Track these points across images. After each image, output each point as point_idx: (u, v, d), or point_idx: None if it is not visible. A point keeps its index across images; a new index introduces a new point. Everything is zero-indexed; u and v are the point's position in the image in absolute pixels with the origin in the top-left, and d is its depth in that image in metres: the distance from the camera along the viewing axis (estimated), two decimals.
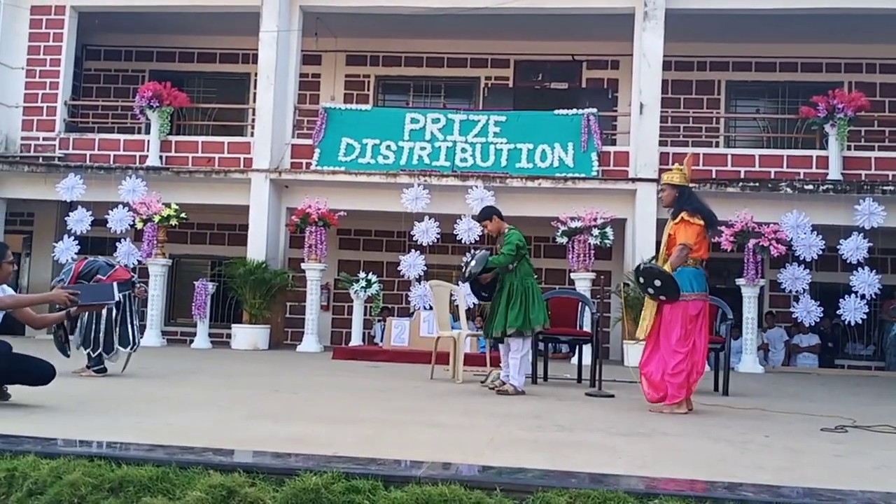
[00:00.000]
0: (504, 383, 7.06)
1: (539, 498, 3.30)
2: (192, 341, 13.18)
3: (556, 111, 13.56)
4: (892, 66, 15.05)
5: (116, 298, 5.71)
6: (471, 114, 14.00)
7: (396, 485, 3.41)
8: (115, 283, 5.68)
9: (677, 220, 6.14)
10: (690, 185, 6.39)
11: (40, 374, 5.15)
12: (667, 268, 6.02)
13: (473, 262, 7.19)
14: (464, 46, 15.84)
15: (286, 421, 5.12)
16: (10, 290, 5.28)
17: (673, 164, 13.02)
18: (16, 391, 5.30)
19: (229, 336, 13.25)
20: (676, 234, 6.12)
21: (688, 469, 3.88)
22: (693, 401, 6.25)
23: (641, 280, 6.09)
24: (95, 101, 16.20)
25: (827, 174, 12.75)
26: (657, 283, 5.97)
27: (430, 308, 10.90)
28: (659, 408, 6.09)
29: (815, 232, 11.98)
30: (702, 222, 6.10)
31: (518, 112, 14.05)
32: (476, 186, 12.63)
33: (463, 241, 12.61)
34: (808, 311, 12.09)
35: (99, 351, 7.42)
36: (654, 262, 6.22)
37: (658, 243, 12.76)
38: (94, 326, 7.42)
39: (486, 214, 7.41)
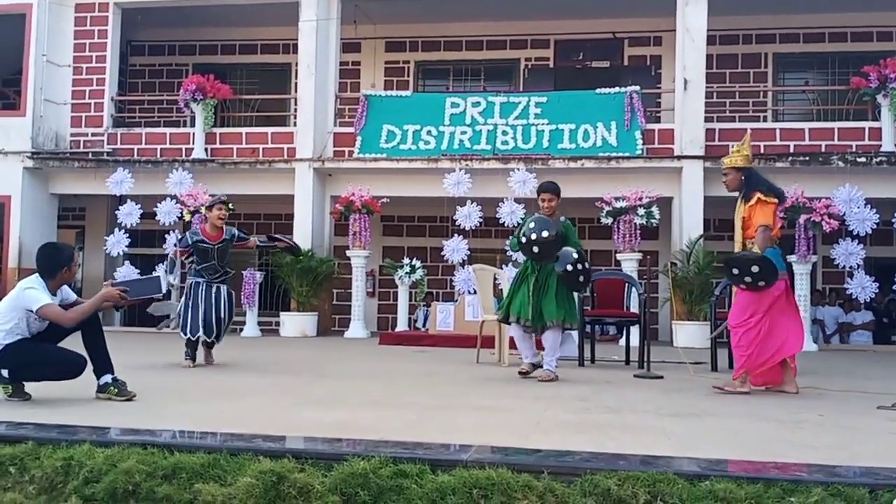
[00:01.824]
0: (534, 367, 6.84)
1: (587, 480, 3.28)
2: (241, 330, 13.37)
3: (598, 90, 13.38)
4: None
5: (164, 290, 5.82)
6: (511, 96, 13.90)
7: (444, 469, 3.42)
8: (160, 277, 5.77)
9: (752, 201, 6.05)
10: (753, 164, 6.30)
11: (69, 365, 5.14)
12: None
13: (546, 233, 6.56)
14: (503, 28, 15.72)
15: (334, 407, 5.17)
16: (69, 293, 5.37)
17: (719, 140, 12.91)
18: (68, 382, 5.43)
19: (278, 324, 13.41)
20: (754, 215, 6.04)
21: (739, 449, 3.83)
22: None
23: (736, 271, 5.86)
24: (141, 96, 16.48)
25: (880, 146, 12.39)
26: (755, 269, 5.79)
27: (475, 292, 10.89)
28: (721, 384, 6.07)
29: (869, 205, 11.65)
30: (776, 200, 6.05)
31: (559, 92, 13.90)
32: (518, 169, 12.55)
33: (506, 225, 12.56)
34: (862, 286, 11.78)
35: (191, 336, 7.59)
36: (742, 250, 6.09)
37: (706, 221, 12.66)
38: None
39: (558, 190, 6.94)
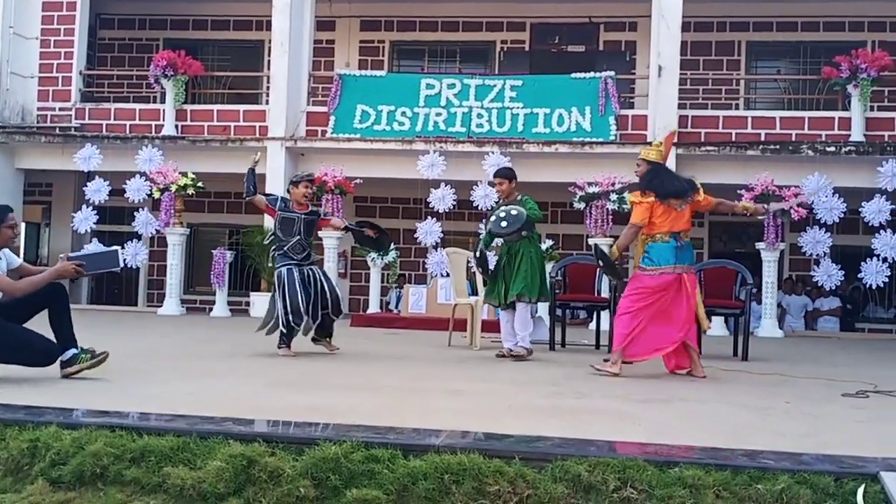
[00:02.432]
0: (511, 351, 7.09)
1: (558, 466, 3.30)
2: (211, 310, 13.27)
3: (573, 75, 13.37)
4: None
5: (121, 264, 5.70)
6: (486, 78, 13.84)
7: (415, 454, 3.43)
8: (118, 250, 5.63)
9: (633, 199, 6.27)
10: (664, 162, 6.45)
11: (38, 353, 5.07)
12: (615, 249, 6.28)
13: (506, 223, 6.99)
14: (479, 9, 15.63)
15: (305, 389, 5.15)
16: (12, 256, 5.22)
17: (692, 127, 12.98)
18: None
19: (248, 304, 13.32)
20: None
21: (707, 436, 3.87)
22: (715, 367, 6.25)
23: (594, 256, 6.45)
24: (110, 70, 16.18)
25: (849, 136, 12.53)
26: (600, 263, 6.27)
27: (448, 275, 10.89)
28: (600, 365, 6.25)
29: (837, 194, 11.81)
30: (652, 198, 6.09)
31: (534, 76, 13.87)
32: (492, 152, 12.53)
33: (479, 208, 12.55)
34: (828, 274, 11.97)
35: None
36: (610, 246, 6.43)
37: None
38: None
39: (511, 175, 7.36)
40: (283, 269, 6.99)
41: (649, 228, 6.12)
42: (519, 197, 7.27)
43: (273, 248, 7.14)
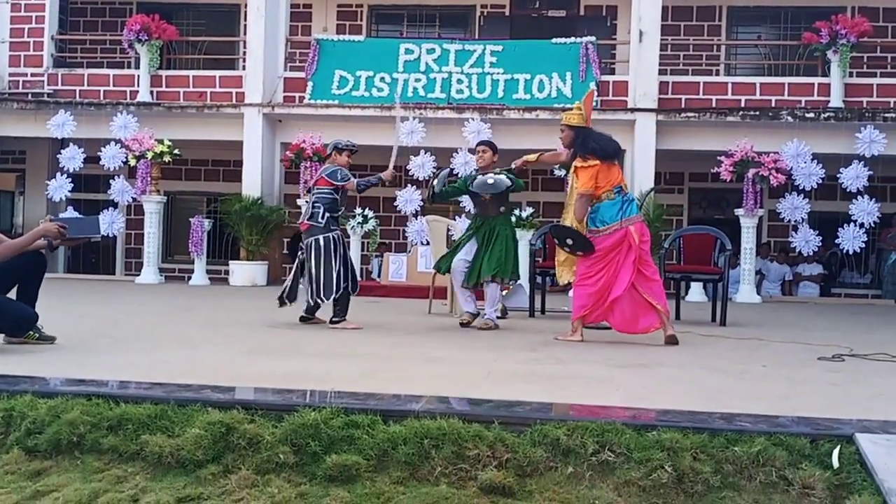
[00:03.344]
0: (487, 322, 6.99)
1: (537, 430, 3.31)
2: (189, 278, 13.18)
3: (554, 40, 13.26)
4: None
5: (102, 233, 5.62)
6: (466, 44, 13.70)
7: (395, 419, 3.42)
8: (99, 218, 5.54)
9: (578, 164, 6.12)
10: (588, 124, 6.30)
11: (19, 321, 5.01)
12: (574, 222, 6.09)
13: (493, 182, 6.93)
14: None
15: (284, 357, 5.13)
16: None
17: (672, 93, 12.95)
18: None
19: (227, 273, 13.24)
20: (575, 181, 6.16)
21: (686, 400, 3.90)
22: (694, 333, 6.26)
23: (557, 240, 6.25)
24: (83, 35, 15.84)
25: (828, 102, 12.56)
26: (569, 241, 6.10)
27: (428, 243, 10.86)
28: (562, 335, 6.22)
29: (816, 161, 11.87)
30: (596, 162, 6.03)
31: (515, 41, 13.74)
32: (472, 119, 12.45)
33: (460, 175, 12.48)
34: (806, 240, 12.07)
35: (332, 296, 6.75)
36: (563, 219, 6.33)
37: (658, 174, 12.77)
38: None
39: (495, 147, 7.32)
40: (334, 237, 6.75)
41: (595, 191, 6.06)
42: (498, 171, 7.15)
43: (327, 212, 6.79)
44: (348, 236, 6.92)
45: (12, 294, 5.20)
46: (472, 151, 7.35)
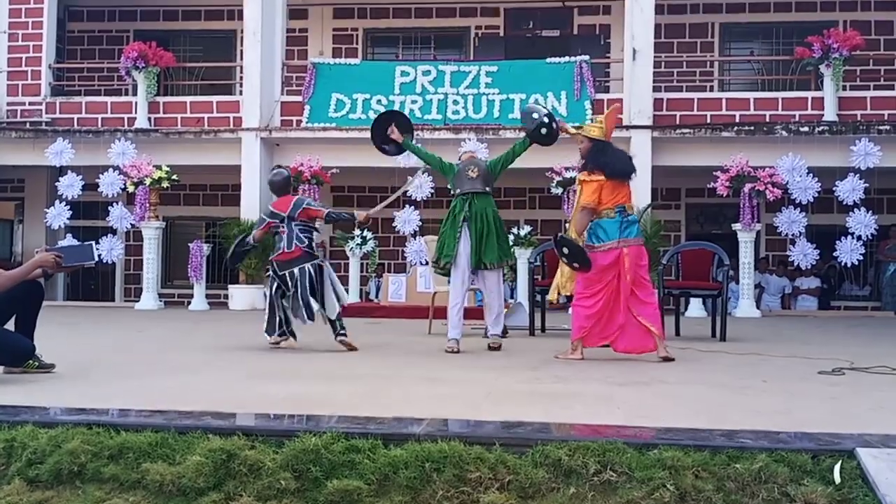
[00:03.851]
0: (498, 342, 6.80)
1: (539, 451, 3.31)
2: (189, 303, 13.18)
3: (549, 59, 13.36)
4: (886, 4, 14.81)
5: (96, 258, 5.64)
6: (462, 65, 13.80)
7: (396, 443, 3.42)
8: (93, 244, 5.58)
9: (581, 177, 6.20)
10: (608, 139, 6.31)
11: (16, 351, 5.01)
12: (573, 234, 6.10)
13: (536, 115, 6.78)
14: None
15: (285, 381, 5.13)
16: None
17: (667, 110, 13.02)
18: None
19: (226, 297, 13.24)
20: (579, 193, 6.20)
21: (686, 417, 3.90)
22: (694, 348, 6.27)
23: (556, 248, 6.20)
24: (80, 63, 15.95)
25: (822, 115, 12.63)
26: (566, 251, 6.05)
27: (427, 263, 10.88)
28: (562, 355, 6.19)
29: (811, 174, 11.91)
30: (601, 177, 6.05)
31: (510, 61, 13.84)
32: (469, 139, 12.51)
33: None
34: (804, 253, 12.09)
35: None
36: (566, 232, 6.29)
37: (654, 190, 12.81)
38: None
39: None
40: (323, 263, 6.96)
41: (596, 206, 6.08)
42: (481, 158, 7.26)
43: (312, 240, 6.97)
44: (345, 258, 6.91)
45: (10, 324, 5.21)
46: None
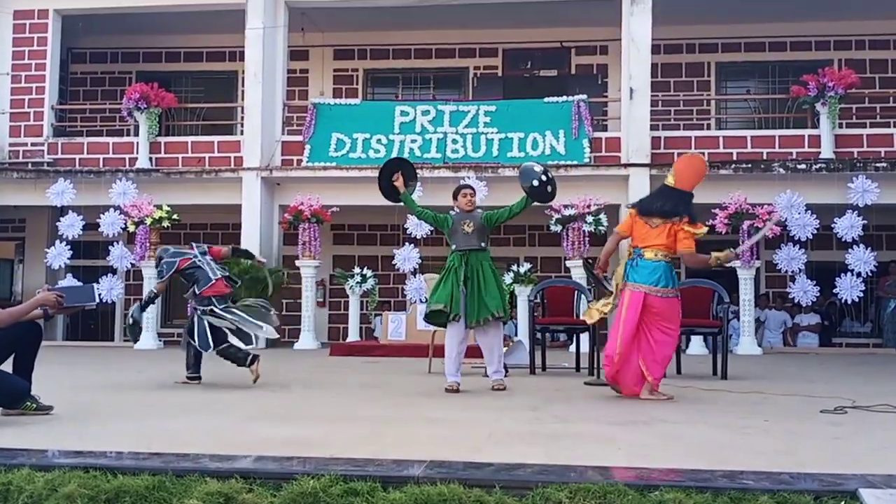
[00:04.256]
0: (501, 383, 6.76)
1: (539, 493, 3.28)
2: None
3: (546, 99, 13.50)
4: (880, 42, 15.01)
5: (96, 300, 5.67)
6: (460, 104, 13.93)
7: (395, 485, 3.39)
8: (94, 286, 5.63)
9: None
10: (671, 182, 6.59)
11: (12, 393, 4.99)
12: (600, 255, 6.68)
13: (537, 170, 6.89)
14: (451, 36, 15.75)
15: (283, 422, 5.10)
16: None
17: (664, 148, 13.10)
18: None
19: None
20: None
21: (688, 458, 3.87)
22: (695, 387, 6.26)
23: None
24: (83, 104, 16.11)
25: (819, 153, 12.71)
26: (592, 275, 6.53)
27: (426, 301, 10.85)
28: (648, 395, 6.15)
29: (809, 211, 11.96)
30: (633, 210, 6.42)
31: (508, 101, 13.98)
32: (468, 177, 12.56)
33: None
34: (804, 290, 12.09)
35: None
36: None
37: None
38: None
39: (474, 190, 7.23)
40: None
41: (625, 237, 6.42)
42: (478, 211, 6.99)
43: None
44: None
45: (7, 365, 5.19)
46: (454, 196, 7.06)
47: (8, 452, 3.98)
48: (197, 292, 7.04)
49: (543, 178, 6.75)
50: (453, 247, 6.80)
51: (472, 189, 7.09)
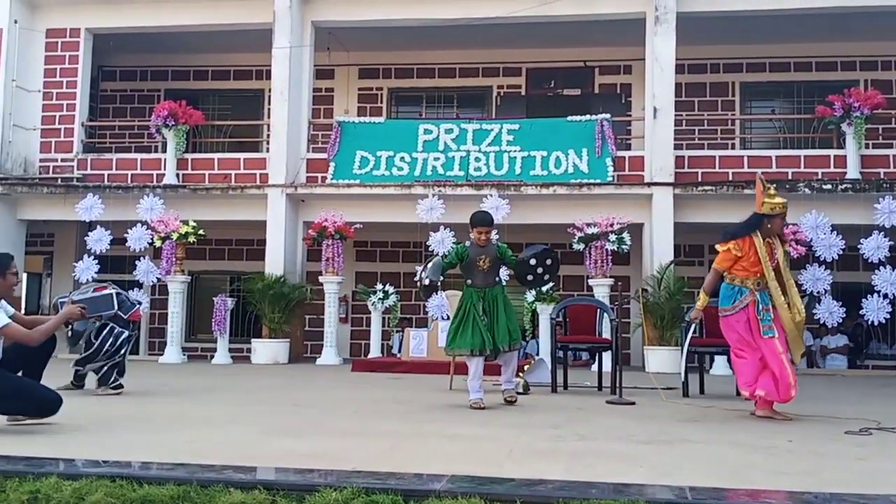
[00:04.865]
0: (513, 395, 7.02)
1: None
2: (212, 357, 13.25)
3: (570, 117, 13.53)
4: None
5: (115, 309, 5.85)
6: (484, 123, 14.01)
7: (416, 499, 3.41)
8: (113, 294, 5.81)
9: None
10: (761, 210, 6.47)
11: (43, 403, 5.09)
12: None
13: (429, 268, 6.92)
14: (475, 56, 15.87)
15: (306, 436, 5.13)
16: (6, 306, 5.18)
17: (688, 167, 13.08)
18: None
19: (249, 351, 13.30)
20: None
21: (710, 476, 3.85)
22: (719, 407, 6.22)
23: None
24: (112, 121, 16.39)
25: (845, 173, 12.63)
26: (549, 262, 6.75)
27: (448, 318, 10.88)
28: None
29: (835, 232, 11.86)
30: (727, 247, 6.34)
31: (531, 119, 14.04)
32: (491, 195, 12.62)
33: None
34: (830, 311, 11.97)
35: (111, 369, 7.54)
36: None
37: (677, 247, 12.80)
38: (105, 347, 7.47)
39: (492, 221, 7.21)
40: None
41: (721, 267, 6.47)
42: (494, 242, 7.16)
43: None
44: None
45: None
46: (471, 224, 7.09)
47: (36, 461, 4.04)
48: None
49: (537, 263, 6.94)
50: (469, 282, 6.94)
51: (488, 228, 7.03)
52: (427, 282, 6.86)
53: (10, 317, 5.17)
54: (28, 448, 4.35)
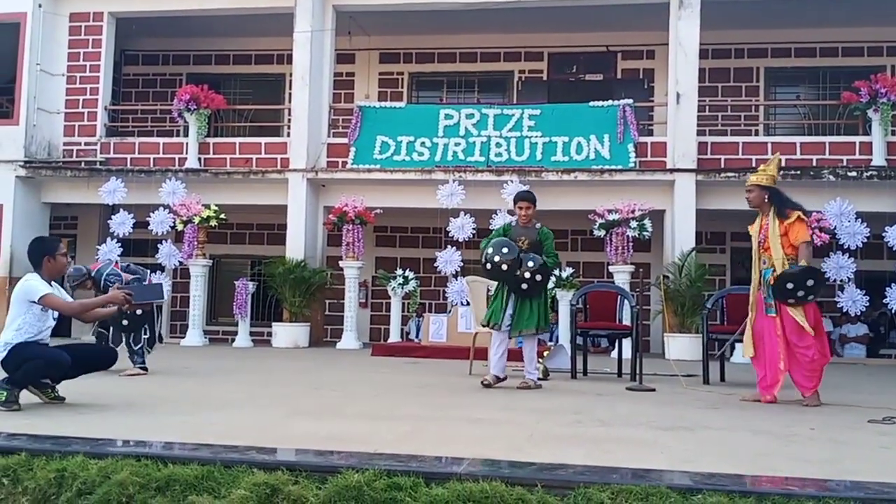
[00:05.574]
0: (498, 381, 7.07)
1: (580, 493, 3.29)
2: (233, 340, 13.35)
3: (592, 103, 13.45)
4: None
5: (165, 298, 5.98)
6: (505, 108, 13.96)
7: (438, 481, 3.43)
8: (162, 284, 5.93)
9: (792, 219, 6.26)
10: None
11: (50, 360, 5.22)
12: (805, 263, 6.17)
13: (531, 263, 6.83)
14: (497, 40, 15.80)
15: (327, 418, 5.17)
16: (60, 289, 5.42)
17: (711, 153, 12.97)
18: (64, 391, 5.43)
19: (270, 334, 13.39)
20: (794, 233, 6.25)
21: (731, 463, 3.84)
22: (738, 394, 6.19)
23: (790, 286, 6.06)
24: (135, 105, 16.49)
25: (871, 160, 12.48)
26: (810, 282, 6.04)
27: (468, 304, 10.90)
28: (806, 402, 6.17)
29: (860, 219, 11.74)
30: (800, 214, 6.28)
31: (553, 105, 13.97)
32: (511, 181, 12.59)
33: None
34: (853, 300, 11.86)
35: (141, 347, 7.72)
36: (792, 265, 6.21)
37: (698, 234, 12.71)
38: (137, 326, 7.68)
39: (535, 199, 7.20)
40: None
41: (792, 250, 6.25)
42: (537, 225, 7.14)
43: None
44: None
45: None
46: (511, 213, 7.24)
47: (63, 440, 4.11)
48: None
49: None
50: None
51: (528, 203, 7.09)
52: (497, 259, 6.74)
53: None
54: (55, 427, 4.42)
